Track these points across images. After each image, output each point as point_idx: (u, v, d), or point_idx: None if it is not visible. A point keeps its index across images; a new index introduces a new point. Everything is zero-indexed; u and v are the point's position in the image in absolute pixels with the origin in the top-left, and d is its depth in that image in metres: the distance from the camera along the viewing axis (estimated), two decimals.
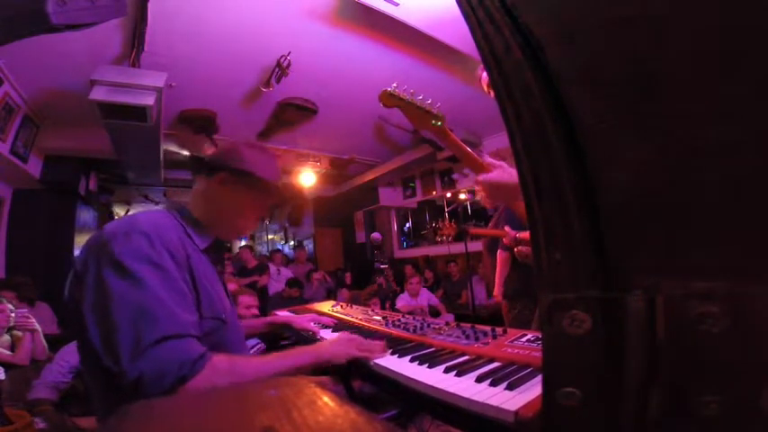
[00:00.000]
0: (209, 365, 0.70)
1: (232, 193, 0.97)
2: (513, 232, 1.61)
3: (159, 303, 0.70)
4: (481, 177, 0.89)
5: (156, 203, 6.44)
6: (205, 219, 0.96)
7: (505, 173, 0.87)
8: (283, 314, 1.64)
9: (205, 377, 0.68)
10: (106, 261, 0.72)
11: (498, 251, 2.20)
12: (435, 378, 0.71)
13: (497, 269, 2.24)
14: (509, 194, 0.88)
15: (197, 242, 0.91)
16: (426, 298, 4.54)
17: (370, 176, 6.18)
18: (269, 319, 1.44)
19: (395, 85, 0.96)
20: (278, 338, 1.47)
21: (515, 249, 1.57)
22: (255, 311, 2.20)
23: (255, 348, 1.75)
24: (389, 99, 0.96)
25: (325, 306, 1.75)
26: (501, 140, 3.85)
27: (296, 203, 1.29)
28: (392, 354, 0.88)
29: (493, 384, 0.64)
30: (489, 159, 0.92)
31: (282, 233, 9.67)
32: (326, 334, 1.20)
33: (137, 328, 0.66)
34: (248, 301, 2.19)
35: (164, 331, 0.67)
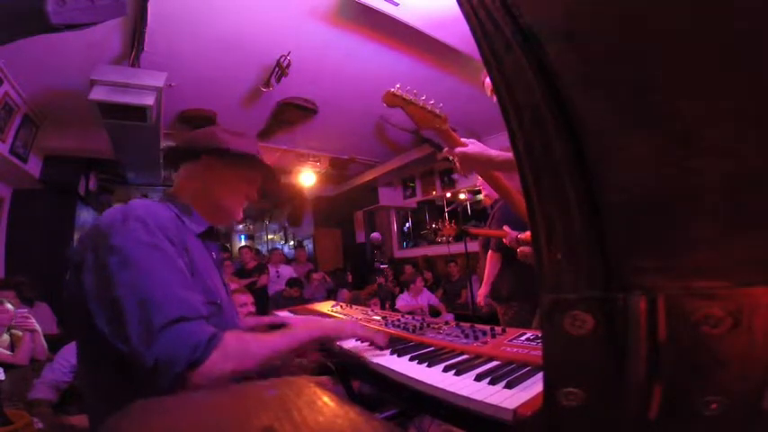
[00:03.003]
0: (220, 347, 0.69)
1: (219, 174, 0.98)
2: (513, 233, 1.61)
3: (164, 286, 0.70)
4: (456, 150, 1.04)
5: None
6: (196, 204, 0.97)
7: (477, 146, 1.04)
8: (283, 314, 1.64)
9: (216, 361, 0.67)
10: (106, 250, 0.71)
11: (489, 252, 2.20)
12: (434, 377, 0.71)
13: (486, 270, 2.24)
14: (478, 164, 1.04)
15: (191, 227, 0.92)
16: (426, 298, 4.55)
17: (369, 176, 6.17)
18: (267, 319, 1.44)
19: (398, 85, 0.98)
20: None
21: (518, 250, 1.57)
22: (251, 308, 2.20)
23: None
24: (393, 99, 1.00)
25: (325, 306, 1.75)
26: (501, 140, 3.85)
27: (284, 193, 1.31)
28: (392, 353, 0.88)
29: (492, 383, 0.64)
30: (465, 140, 1.07)
31: (282, 233, 9.68)
32: None
33: (146, 313, 0.66)
34: (243, 299, 2.19)
35: (173, 314, 0.67)
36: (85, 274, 0.72)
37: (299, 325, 0.95)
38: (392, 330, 1.11)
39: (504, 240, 1.66)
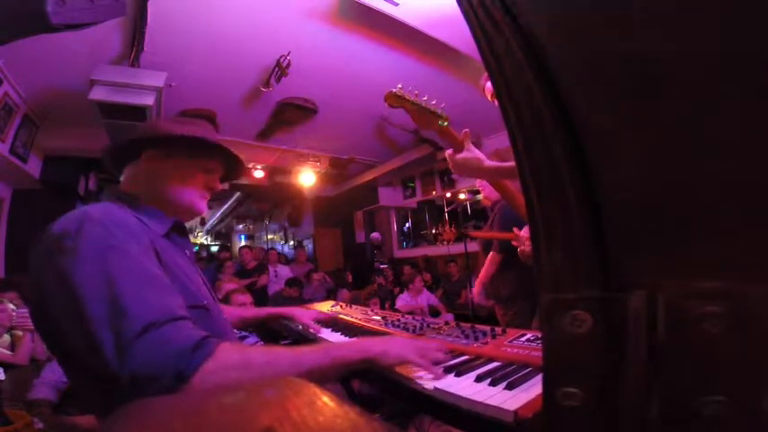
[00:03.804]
0: (213, 358, 0.59)
1: (167, 167, 0.89)
2: (525, 234, 1.60)
3: (133, 289, 0.61)
4: (456, 156, 1.04)
5: None
6: (152, 201, 0.87)
7: (469, 153, 1.03)
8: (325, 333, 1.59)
9: (211, 370, 0.58)
10: (63, 260, 0.63)
11: (491, 252, 2.21)
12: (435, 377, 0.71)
13: (483, 269, 2.25)
14: (469, 171, 1.05)
15: (154, 228, 0.82)
16: (426, 298, 4.55)
17: (369, 176, 6.18)
18: (270, 310, 1.42)
19: (400, 86, 0.97)
20: (277, 337, 1.46)
21: (519, 250, 1.56)
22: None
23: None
24: (394, 100, 0.97)
25: (325, 306, 1.75)
26: (501, 140, 3.85)
27: (242, 169, 1.06)
28: None
29: (492, 384, 0.65)
30: (463, 134, 1.05)
31: (282, 233, 9.69)
32: (327, 334, 1.20)
33: (115, 322, 0.58)
34: (242, 299, 2.20)
35: (145, 319, 0.58)
36: (47, 292, 0.65)
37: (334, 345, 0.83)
38: (392, 330, 1.11)
39: (513, 243, 1.66)
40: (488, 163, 1.00)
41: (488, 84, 1.39)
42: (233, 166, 1.01)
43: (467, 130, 1.03)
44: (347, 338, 1.11)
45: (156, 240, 0.77)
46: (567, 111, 0.31)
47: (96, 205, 0.75)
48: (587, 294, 0.30)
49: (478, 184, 2.37)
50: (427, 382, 0.69)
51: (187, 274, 0.81)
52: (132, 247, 0.68)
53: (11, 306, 2.39)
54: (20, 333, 2.36)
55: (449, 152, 1.06)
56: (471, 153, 1.02)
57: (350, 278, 5.90)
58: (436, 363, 0.74)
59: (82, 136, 3.84)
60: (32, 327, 2.41)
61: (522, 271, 1.91)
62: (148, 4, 2.34)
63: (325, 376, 0.68)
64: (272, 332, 1.41)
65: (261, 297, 4.56)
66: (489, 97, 1.36)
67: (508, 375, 0.67)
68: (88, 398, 0.74)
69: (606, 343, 0.29)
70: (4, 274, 3.81)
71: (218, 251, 6.10)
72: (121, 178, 0.91)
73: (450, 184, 6.07)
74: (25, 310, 2.49)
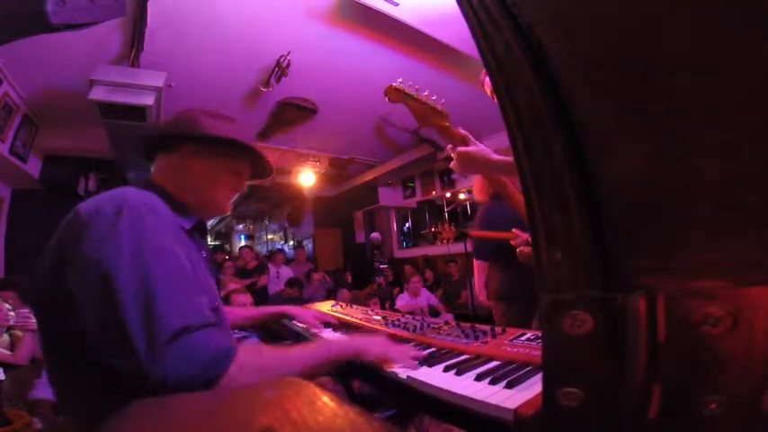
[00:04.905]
0: (235, 362, 0.60)
1: (202, 164, 0.88)
2: (524, 234, 1.59)
3: (172, 288, 0.61)
4: (458, 149, 1.00)
5: None
6: (182, 197, 0.86)
7: (478, 147, 1.00)
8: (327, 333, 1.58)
9: (233, 376, 0.59)
10: (97, 242, 0.61)
11: (474, 260, 2.23)
12: (434, 377, 0.71)
13: (476, 276, 2.27)
14: (477, 165, 1.01)
15: (180, 222, 0.81)
16: (426, 298, 4.55)
17: (369, 176, 6.18)
18: (273, 308, 1.41)
19: (400, 80, 0.97)
20: (277, 337, 1.46)
21: (518, 250, 1.56)
22: None
23: None
24: (395, 94, 0.97)
25: (325, 306, 1.74)
26: (501, 140, 3.85)
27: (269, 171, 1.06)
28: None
29: (492, 383, 0.65)
30: (463, 132, 1.03)
31: (282, 233, 9.68)
32: (327, 334, 1.20)
33: (149, 319, 0.57)
34: (242, 299, 2.21)
35: (183, 321, 0.58)
36: (68, 273, 0.62)
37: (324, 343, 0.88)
38: (392, 330, 1.11)
39: (512, 242, 1.65)
40: (496, 156, 0.99)
41: (487, 79, 1.38)
42: (259, 170, 1.04)
43: (464, 131, 1.03)
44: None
45: (182, 236, 0.77)
46: (567, 111, 0.31)
47: (132, 190, 0.73)
48: (587, 294, 0.30)
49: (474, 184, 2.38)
50: (401, 371, 0.75)
51: (204, 274, 0.81)
52: (171, 243, 0.67)
53: (6, 306, 2.38)
54: (19, 333, 2.36)
55: (452, 147, 1.03)
56: (477, 146, 1.00)
57: (350, 278, 5.91)
58: (414, 358, 0.80)
59: (82, 136, 3.84)
60: (33, 327, 2.41)
61: (517, 270, 1.90)
62: (148, 4, 2.34)
63: (323, 371, 0.76)
64: (272, 332, 1.41)
65: (261, 297, 4.56)
66: (488, 93, 1.36)
67: (508, 374, 0.67)
68: (83, 397, 0.69)
69: (606, 343, 0.29)
70: (3, 273, 3.81)
71: (213, 251, 6.09)
72: (152, 167, 0.91)
73: (449, 184, 6.07)
74: (26, 311, 2.48)
